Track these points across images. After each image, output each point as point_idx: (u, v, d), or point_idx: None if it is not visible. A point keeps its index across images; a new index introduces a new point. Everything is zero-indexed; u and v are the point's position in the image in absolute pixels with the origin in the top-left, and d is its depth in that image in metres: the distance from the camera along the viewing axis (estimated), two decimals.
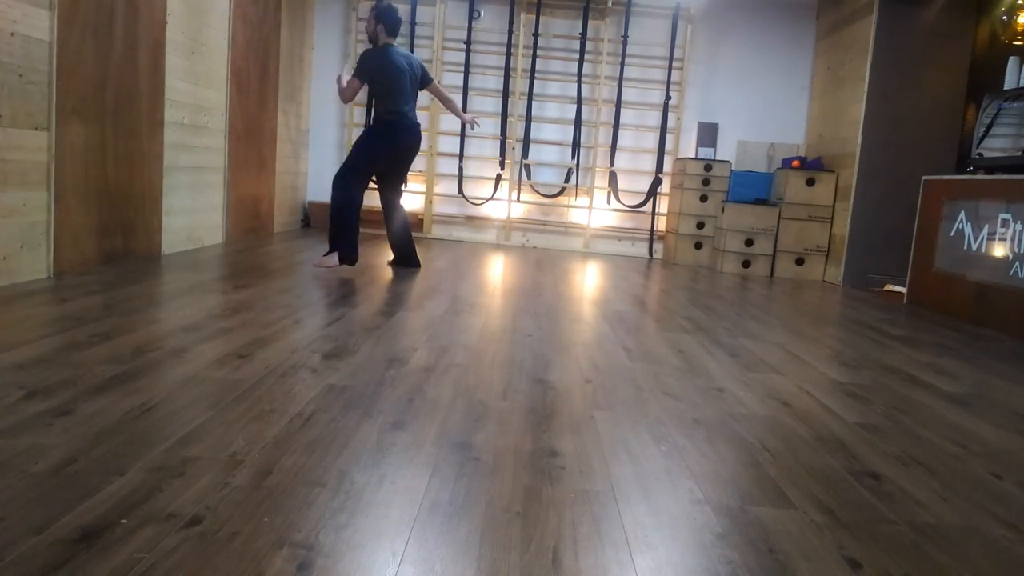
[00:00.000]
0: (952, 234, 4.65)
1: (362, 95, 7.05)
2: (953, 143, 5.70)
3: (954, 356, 3.36)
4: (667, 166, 7.03)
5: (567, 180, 7.05)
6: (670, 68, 6.93)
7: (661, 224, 7.14)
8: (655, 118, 7.04)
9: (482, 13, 7.00)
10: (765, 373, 2.73)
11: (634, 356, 2.84)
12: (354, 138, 7.03)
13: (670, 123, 7.01)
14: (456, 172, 7.04)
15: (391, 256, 4.71)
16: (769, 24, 6.95)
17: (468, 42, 6.93)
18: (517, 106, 7.02)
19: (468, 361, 2.55)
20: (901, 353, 3.33)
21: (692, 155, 6.94)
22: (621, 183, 7.05)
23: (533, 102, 6.97)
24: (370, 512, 1.38)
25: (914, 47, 5.70)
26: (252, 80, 5.66)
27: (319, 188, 7.23)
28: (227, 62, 5.19)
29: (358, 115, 7.07)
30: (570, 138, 6.99)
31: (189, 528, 1.26)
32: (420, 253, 5.86)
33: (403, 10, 6.96)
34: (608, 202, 7.08)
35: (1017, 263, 4.05)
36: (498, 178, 7.01)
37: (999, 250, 4.21)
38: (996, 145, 4.67)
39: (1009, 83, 4.71)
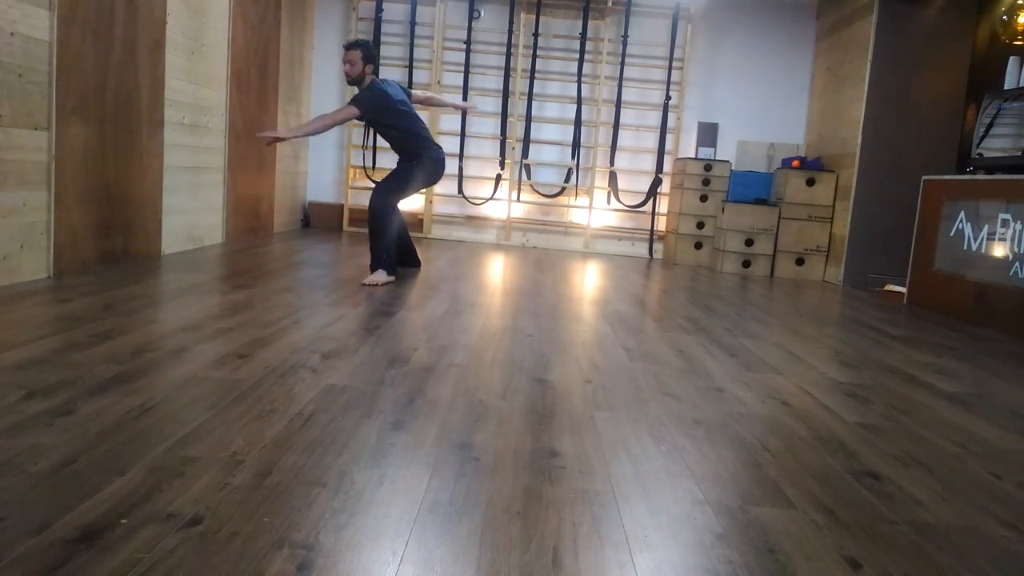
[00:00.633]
0: (952, 234, 4.65)
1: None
2: (953, 143, 5.70)
3: (954, 356, 3.36)
4: (667, 166, 7.03)
5: (567, 180, 7.05)
6: (670, 68, 6.93)
7: (661, 224, 7.14)
8: (655, 118, 7.04)
9: (482, 13, 7.00)
10: (765, 373, 2.73)
11: (634, 356, 2.84)
12: (354, 138, 7.07)
13: (670, 123, 7.01)
14: (456, 172, 7.04)
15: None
16: (769, 24, 6.95)
17: (468, 42, 6.93)
18: (517, 106, 7.02)
19: (468, 361, 2.55)
20: (901, 353, 3.33)
21: (692, 155, 6.94)
22: (621, 183, 7.05)
23: (533, 102, 6.97)
24: (370, 512, 1.38)
25: (914, 47, 5.70)
26: (252, 80, 5.66)
27: (319, 188, 7.23)
28: (227, 62, 5.19)
29: None
30: (570, 138, 6.99)
31: (189, 528, 1.26)
32: (420, 253, 5.86)
33: (403, 10, 6.98)
34: (608, 202, 7.08)
35: (1017, 263, 4.05)
36: (498, 178, 7.01)
37: (999, 250, 4.21)
38: (996, 145, 4.67)
39: (1009, 83, 4.71)
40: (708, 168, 6.58)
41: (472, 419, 1.95)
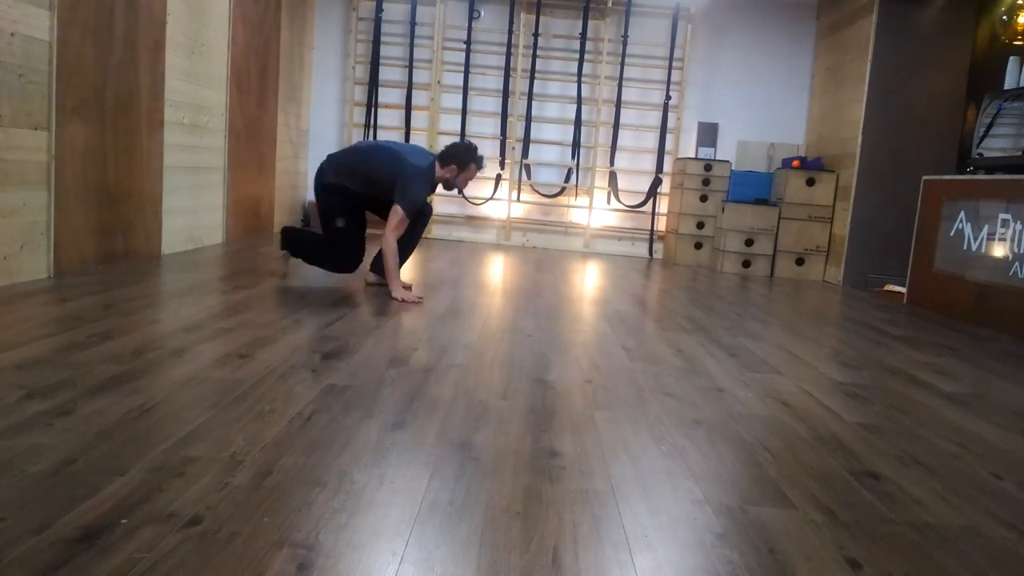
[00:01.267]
0: (952, 234, 4.65)
1: (360, 95, 7.07)
2: (953, 143, 5.69)
3: (954, 356, 3.36)
4: (667, 166, 7.03)
5: (567, 180, 7.05)
6: (670, 68, 6.93)
7: (661, 224, 7.14)
8: (655, 118, 7.04)
9: (482, 13, 7.00)
10: (765, 373, 2.73)
11: (634, 356, 2.83)
12: (354, 138, 7.06)
13: (670, 123, 7.01)
14: None
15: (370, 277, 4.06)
16: (769, 24, 6.95)
17: (468, 42, 6.93)
18: (517, 106, 7.02)
19: (468, 361, 2.55)
20: (901, 353, 3.33)
21: (692, 155, 6.94)
22: (621, 183, 7.05)
23: (533, 102, 6.97)
24: (370, 512, 1.38)
25: (914, 47, 5.70)
26: (252, 80, 5.66)
27: None
28: (227, 62, 5.19)
29: (358, 115, 7.07)
30: (570, 138, 6.99)
31: (189, 528, 1.26)
32: (420, 253, 5.86)
33: (403, 10, 6.98)
34: (608, 202, 7.08)
35: (1017, 263, 4.05)
36: (498, 178, 7.01)
37: (999, 250, 4.21)
38: (996, 145, 4.67)
39: (1009, 83, 4.71)
40: (708, 168, 6.58)
41: (472, 419, 1.95)
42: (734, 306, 4.37)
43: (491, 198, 7.06)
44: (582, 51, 6.89)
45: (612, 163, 7.02)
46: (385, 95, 7.04)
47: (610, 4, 6.90)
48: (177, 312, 2.95)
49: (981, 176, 4.57)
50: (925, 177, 5.05)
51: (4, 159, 3.11)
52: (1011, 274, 4.09)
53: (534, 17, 6.92)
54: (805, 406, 2.34)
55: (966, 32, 5.66)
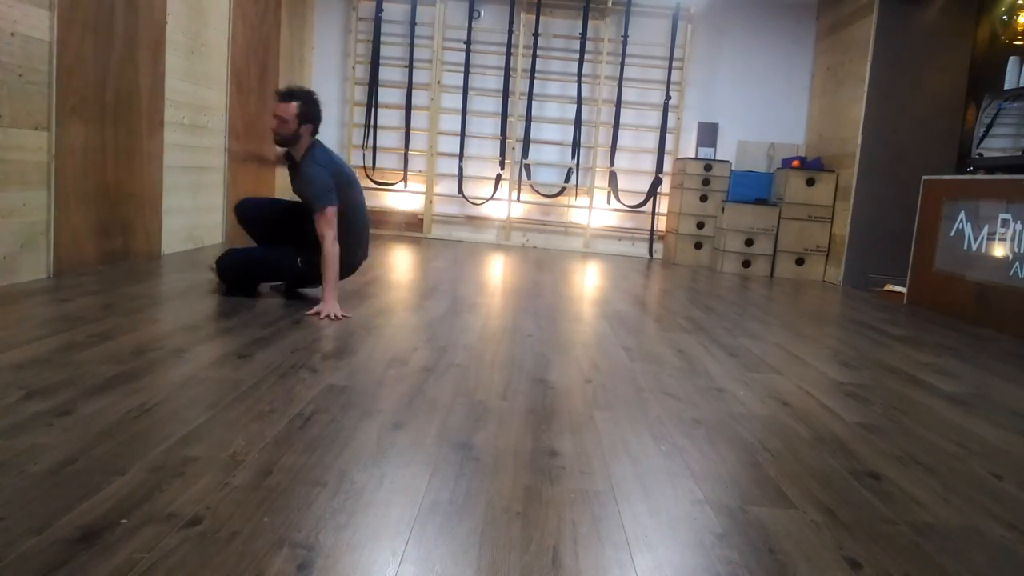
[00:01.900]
0: (952, 234, 4.64)
1: (360, 95, 7.07)
2: (953, 143, 5.69)
3: (954, 356, 3.36)
4: (667, 166, 7.03)
5: (567, 180, 7.05)
6: (670, 68, 6.93)
7: (661, 224, 7.14)
8: (655, 118, 7.04)
9: (482, 13, 7.00)
10: (765, 373, 2.73)
11: (634, 356, 2.83)
12: (354, 138, 7.06)
13: (670, 123, 7.01)
14: (456, 172, 7.04)
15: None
16: (769, 24, 6.95)
17: (468, 42, 6.93)
18: (517, 106, 7.02)
19: (468, 361, 2.55)
20: (901, 353, 3.33)
21: (692, 155, 6.94)
22: (621, 183, 7.05)
23: (533, 102, 6.97)
24: (370, 512, 1.38)
25: (914, 47, 5.70)
26: (252, 80, 5.66)
27: None
28: (227, 62, 5.19)
29: (358, 115, 7.07)
30: (570, 138, 6.99)
31: (189, 528, 1.26)
32: (420, 253, 5.86)
33: (403, 10, 6.98)
34: (608, 202, 7.08)
35: (1017, 263, 4.05)
36: (498, 178, 7.01)
37: (999, 250, 4.21)
38: (996, 145, 4.67)
39: (1009, 83, 4.71)
40: (708, 168, 6.58)
41: (472, 419, 1.94)
42: (734, 306, 4.37)
43: (491, 198, 7.06)
44: (582, 51, 6.89)
45: (612, 163, 7.01)
46: (385, 95, 7.04)
47: (610, 4, 6.90)
48: (177, 312, 2.95)
49: (981, 176, 4.57)
50: (925, 177, 5.05)
51: (4, 159, 3.10)
52: (1011, 274, 4.09)
53: (534, 17, 6.92)
54: (805, 406, 2.34)
55: (966, 32, 5.66)
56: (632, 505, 1.50)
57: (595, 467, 1.68)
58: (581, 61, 6.90)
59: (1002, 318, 4.14)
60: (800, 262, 6.36)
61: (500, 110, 7.00)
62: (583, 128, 7.01)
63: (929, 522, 1.54)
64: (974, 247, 4.43)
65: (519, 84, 7.00)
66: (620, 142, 7.02)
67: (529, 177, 7.04)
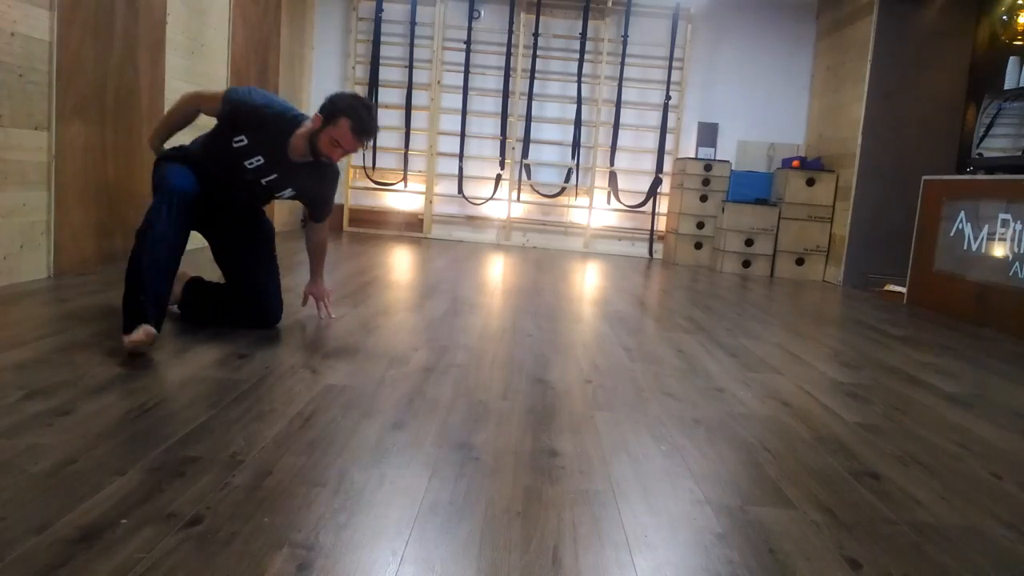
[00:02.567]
0: (952, 234, 4.64)
1: (361, 94, 7.06)
2: (953, 143, 5.69)
3: (954, 356, 3.36)
4: (667, 166, 7.03)
5: (567, 180, 7.05)
6: (670, 68, 6.93)
7: (661, 224, 7.14)
8: (655, 118, 7.03)
9: (482, 13, 7.00)
10: (765, 373, 2.73)
11: (634, 356, 2.83)
12: None
13: (670, 123, 7.01)
14: (456, 172, 7.04)
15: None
16: (769, 24, 6.95)
17: (468, 42, 6.93)
18: (517, 106, 7.02)
19: (468, 361, 2.55)
20: (901, 353, 3.33)
21: (692, 155, 6.94)
22: (621, 183, 7.05)
23: (533, 102, 6.97)
24: (370, 512, 1.38)
25: (914, 47, 5.70)
26: (252, 80, 5.66)
27: None
28: (227, 62, 5.19)
29: None
30: (570, 138, 6.99)
31: (189, 528, 1.26)
32: (420, 253, 5.86)
33: (403, 10, 6.98)
34: (608, 202, 7.08)
35: (1017, 263, 4.05)
36: (498, 178, 7.01)
37: (999, 250, 4.21)
38: (996, 145, 4.67)
39: (1009, 83, 4.71)
40: (708, 168, 6.58)
41: (472, 419, 1.94)
42: (734, 306, 4.37)
43: (491, 198, 7.06)
44: (582, 51, 6.89)
45: (612, 163, 7.02)
46: (385, 95, 7.04)
47: (610, 4, 6.90)
48: (177, 311, 2.95)
49: (981, 176, 4.57)
50: (925, 177, 5.05)
51: (4, 159, 3.10)
52: (1011, 274, 4.09)
53: (534, 17, 6.92)
54: (805, 406, 2.34)
55: (966, 32, 5.66)
56: (632, 505, 1.50)
57: (595, 467, 1.68)
58: (581, 61, 6.90)
59: (1002, 318, 4.14)
60: (800, 262, 6.36)
61: (500, 110, 7.00)
62: (583, 128, 7.01)
63: (929, 522, 1.54)
64: (974, 247, 4.43)
65: (519, 84, 7.00)
66: (620, 142, 7.02)
67: (529, 177, 7.04)
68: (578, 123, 6.94)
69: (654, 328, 3.47)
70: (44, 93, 3.33)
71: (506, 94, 6.95)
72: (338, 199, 7.17)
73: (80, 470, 1.45)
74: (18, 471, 1.42)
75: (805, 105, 6.98)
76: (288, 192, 2.80)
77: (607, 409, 2.13)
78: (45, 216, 3.41)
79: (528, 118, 6.95)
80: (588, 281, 5.06)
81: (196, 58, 4.75)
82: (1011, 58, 4.76)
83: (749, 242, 6.34)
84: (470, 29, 6.92)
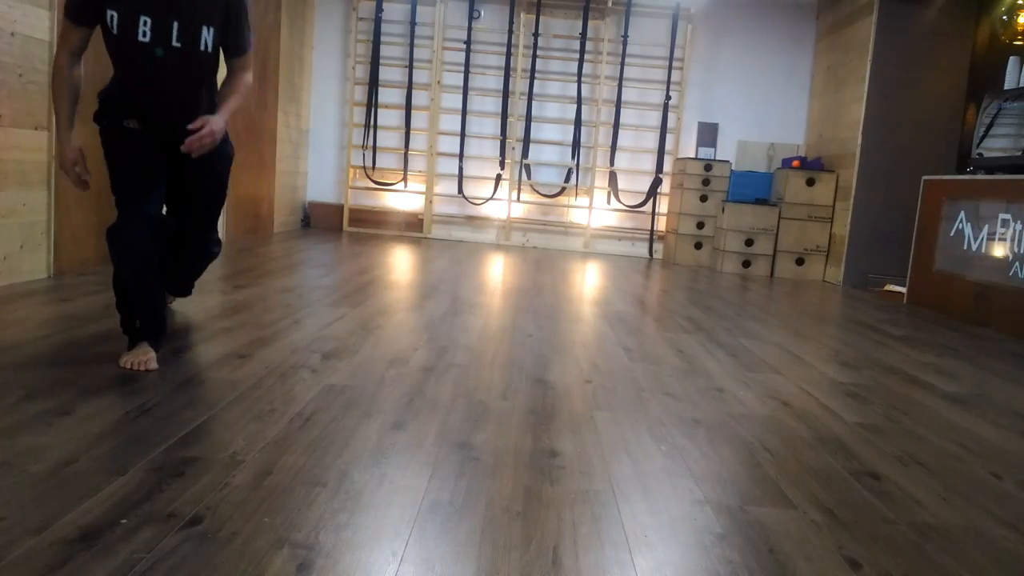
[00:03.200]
0: (952, 234, 4.64)
1: (360, 95, 7.06)
2: (953, 143, 5.70)
3: (954, 356, 3.36)
4: (667, 166, 7.03)
5: (567, 180, 7.05)
6: (670, 68, 6.93)
7: (661, 224, 7.14)
8: (655, 118, 7.04)
9: (482, 13, 7.00)
10: (765, 373, 2.73)
11: (634, 356, 2.83)
12: (354, 138, 7.06)
13: (670, 123, 7.01)
14: (456, 172, 7.04)
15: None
16: (769, 24, 6.95)
17: (468, 42, 6.93)
18: (517, 106, 7.02)
19: (468, 361, 2.55)
20: (901, 353, 3.33)
21: (692, 155, 6.94)
22: (621, 183, 7.05)
23: (533, 102, 6.97)
24: (370, 512, 1.38)
25: (914, 47, 5.70)
26: (252, 80, 5.65)
27: (319, 188, 7.23)
28: None
29: (358, 115, 7.07)
30: (570, 138, 6.99)
31: (189, 528, 1.26)
32: (420, 253, 5.86)
33: (403, 10, 6.98)
34: (608, 202, 7.08)
35: (1017, 263, 4.05)
36: (498, 178, 7.01)
37: (999, 250, 4.21)
38: (996, 145, 4.67)
39: (1009, 83, 4.71)
40: (708, 168, 6.58)
41: (472, 419, 1.94)
42: (734, 306, 4.37)
43: (491, 198, 7.06)
44: (582, 51, 6.89)
45: (612, 163, 7.02)
46: (385, 95, 7.04)
47: (610, 4, 6.90)
48: (177, 312, 2.95)
49: (981, 176, 4.57)
50: (925, 177, 5.05)
51: (4, 159, 3.10)
52: (1011, 274, 4.09)
53: (534, 17, 6.92)
54: (805, 406, 2.34)
55: (966, 32, 5.66)
56: (632, 505, 1.50)
57: (595, 467, 1.68)
58: (581, 61, 6.90)
59: (1002, 318, 4.14)
60: (800, 262, 6.36)
61: (500, 110, 7.00)
62: (583, 128, 7.01)
63: (929, 522, 1.54)
64: (974, 247, 4.43)
65: (519, 84, 7.00)
66: (620, 142, 7.02)
67: (529, 177, 7.04)
68: (578, 123, 6.94)
69: (654, 328, 3.47)
70: (44, 93, 3.33)
71: (506, 94, 6.95)
72: (338, 199, 7.18)
73: (80, 470, 1.45)
74: (18, 471, 1.42)
75: (805, 105, 6.98)
76: (204, 35, 2.32)
77: (607, 409, 2.13)
78: (45, 216, 3.41)
79: (528, 118, 6.96)
80: (588, 281, 5.06)
81: None
82: (1011, 58, 4.76)
83: (749, 242, 6.34)
84: (470, 29, 6.92)
